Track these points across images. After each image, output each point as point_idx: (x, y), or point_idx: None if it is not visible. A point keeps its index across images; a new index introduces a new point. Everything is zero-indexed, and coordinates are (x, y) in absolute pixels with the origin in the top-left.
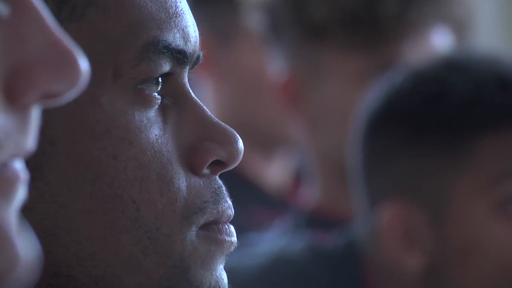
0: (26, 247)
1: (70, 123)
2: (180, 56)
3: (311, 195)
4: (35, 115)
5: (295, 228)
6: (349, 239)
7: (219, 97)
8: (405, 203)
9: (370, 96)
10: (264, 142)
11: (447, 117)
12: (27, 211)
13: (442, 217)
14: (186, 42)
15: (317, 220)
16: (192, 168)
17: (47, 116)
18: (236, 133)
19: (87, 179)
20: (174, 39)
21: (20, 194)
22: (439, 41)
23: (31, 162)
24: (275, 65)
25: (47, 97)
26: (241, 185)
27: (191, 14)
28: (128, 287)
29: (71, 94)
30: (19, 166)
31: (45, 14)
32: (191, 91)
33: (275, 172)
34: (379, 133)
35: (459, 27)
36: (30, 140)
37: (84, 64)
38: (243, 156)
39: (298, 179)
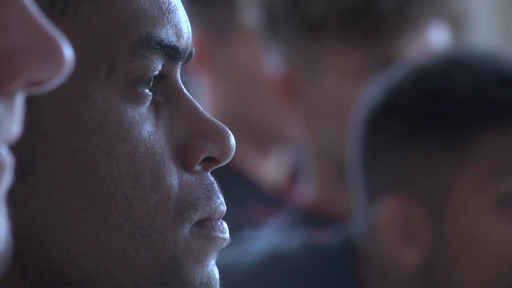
0: None
1: (63, 119)
2: (172, 53)
3: (307, 192)
4: (20, 101)
5: (290, 225)
6: (346, 236)
7: (215, 94)
8: (403, 198)
9: (371, 91)
10: (260, 138)
11: (448, 113)
12: (20, 207)
13: (440, 213)
14: (178, 38)
15: (313, 217)
16: (184, 164)
17: (40, 112)
18: (228, 130)
19: (80, 176)
20: (167, 35)
21: (7, 179)
22: (437, 37)
23: (24, 158)
24: (271, 61)
25: (32, 84)
26: (238, 182)
27: (184, 10)
28: (120, 283)
29: (56, 81)
30: (4, 151)
31: (29, 2)
32: (183, 87)
33: (271, 169)
34: (379, 128)
35: (457, 24)
36: (16, 126)
37: (68, 51)
38: (239, 153)
39: (294, 176)
